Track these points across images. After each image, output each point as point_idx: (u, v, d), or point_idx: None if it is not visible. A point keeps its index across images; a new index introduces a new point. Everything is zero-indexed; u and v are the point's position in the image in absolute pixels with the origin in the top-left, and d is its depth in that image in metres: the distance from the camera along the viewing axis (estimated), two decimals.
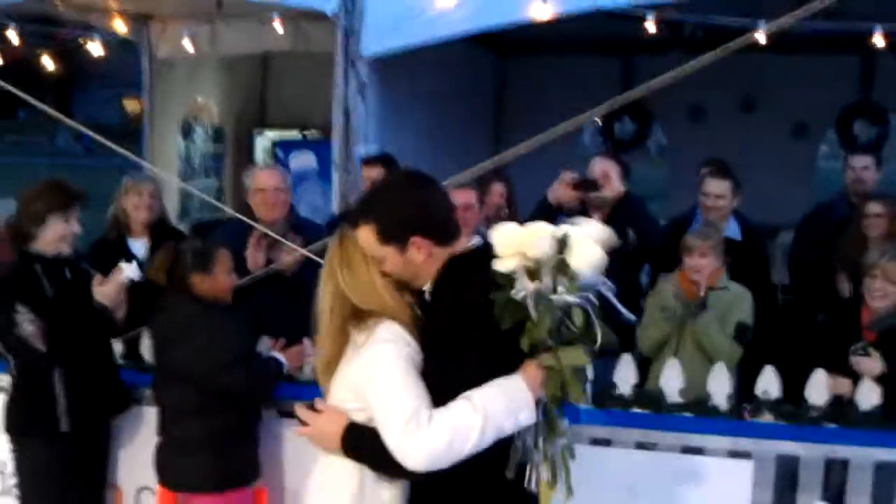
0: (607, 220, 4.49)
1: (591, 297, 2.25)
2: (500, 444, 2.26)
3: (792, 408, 3.59)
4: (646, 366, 4.15)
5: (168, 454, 3.57)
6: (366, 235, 2.36)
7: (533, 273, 2.20)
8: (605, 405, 3.66)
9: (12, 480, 4.04)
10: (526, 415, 2.22)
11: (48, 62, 7.36)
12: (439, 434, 2.17)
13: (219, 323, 3.53)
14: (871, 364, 3.70)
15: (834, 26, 6.10)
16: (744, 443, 3.53)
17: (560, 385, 2.24)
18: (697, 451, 3.58)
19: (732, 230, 4.65)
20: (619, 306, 2.31)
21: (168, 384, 3.59)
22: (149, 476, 3.84)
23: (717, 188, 4.63)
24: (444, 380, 2.26)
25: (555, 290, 2.20)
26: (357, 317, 2.38)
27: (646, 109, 9.13)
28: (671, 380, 3.72)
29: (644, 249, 4.46)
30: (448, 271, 2.36)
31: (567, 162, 4.62)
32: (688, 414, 3.61)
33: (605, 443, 3.63)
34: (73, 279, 3.70)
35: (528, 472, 2.29)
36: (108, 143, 4.61)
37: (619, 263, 4.33)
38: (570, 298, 2.19)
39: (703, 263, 4.17)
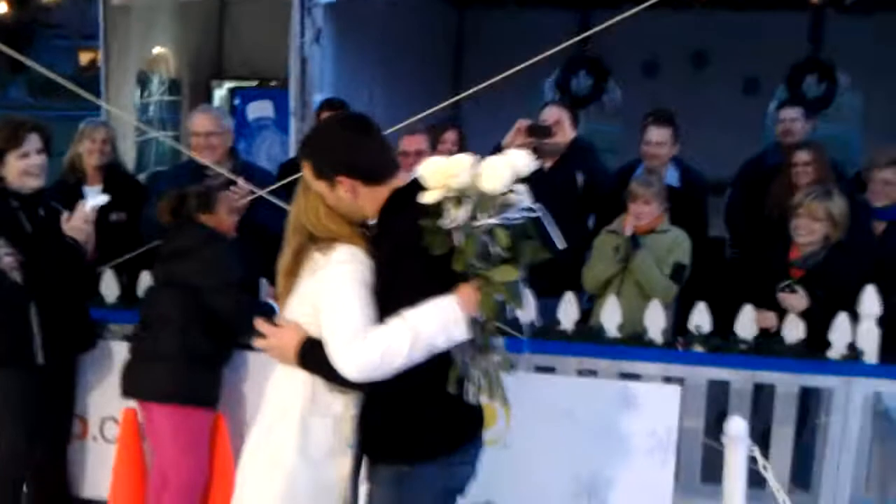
0: (558, 166, 4.68)
1: (516, 216, 2.38)
2: (443, 360, 2.41)
3: (721, 340, 3.83)
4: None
5: (140, 364, 3.71)
6: (306, 171, 2.56)
7: (457, 202, 2.34)
8: (549, 338, 3.87)
9: None
10: (458, 332, 2.36)
11: (1, 7, 7.28)
12: (372, 347, 2.35)
13: (224, 248, 3.72)
14: (797, 300, 3.92)
15: None
16: (676, 370, 3.76)
17: (495, 303, 2.38)
18: (634, 377, 3.80)
19: (671, 177, 4.81)
20: (551, 229, 2.45)
21: (162, 297, 3.73)
22: (113, 407, 4.02)
23: (657, 136, 4.77)
24: (388, 301, 2.41)
25: (475, 217, 2.34)
26: (317, 240, 2.53)
27: (602, 65, 9.28)
28: (610, 316, 3.93)
29: (592, 195, 4.61)
30: (389, 203, 2.52)
31: (527, 116, 4.72)
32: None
33: (549, 370, 3.84)
34: (46, 216, 3.77)
35: (465, 386, 2.44)
36: (74, 88, 4.61)
37: (568, 208, 4.58)
38: (492, 221, 2.33)
39: (645, 210, 4.35)
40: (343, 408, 2.55)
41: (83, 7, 7.77)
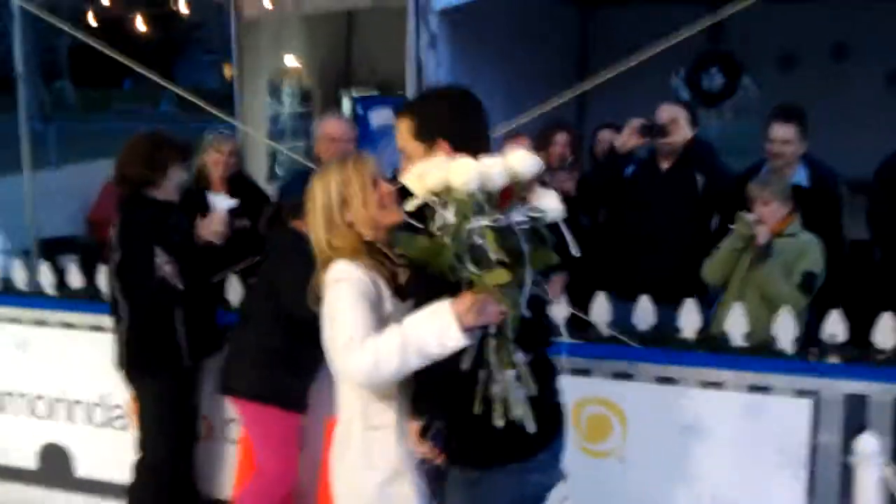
0: (675, 166, 4.51)
1: (522, 219, 2.28)
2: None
3: (857, 350, 3.58)
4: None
5: (228, 361, 3.81)
6: (403, 128, 2.61)
7: (443, 205, 2.27)
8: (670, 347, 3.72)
9: (114, 412, 4.40)
10: (452, 339, 2.30)
11: (146, 27, 7.63)
12: (366, 354, 2.40)
13: (309, 251, 3.74)
14: None
15: None
16: (809, 382, 3.54)
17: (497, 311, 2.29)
18: (763, 389, 3.59)
19: (800, 176, 4.51)
20: (567, 235, 2.37)
21: (251, 297, 3.88)
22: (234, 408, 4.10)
23: (782, 133, 4.47)
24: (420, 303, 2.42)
25: (465, 218, 2.24)
26: (321, 266, 2.64)
27: (735, 60, 8.93)
28: (736, 323, 3.74)
29: (713, 196, 4.43)
30: None
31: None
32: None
33: (670, 381, 3.69)
34: (181, 225, 3.95)
35: (493, 407, 2.35)
36: (201, 103, 4.83)
37: (687, 209, 4.41)
38: (482, 222, 2.23)
39: (765, 211, 4.12)
40: (398, 416, 2.59)
41: (224, 24, 8.07)
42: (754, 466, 3.52)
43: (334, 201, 2.63)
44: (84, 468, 4.52)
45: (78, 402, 4.48)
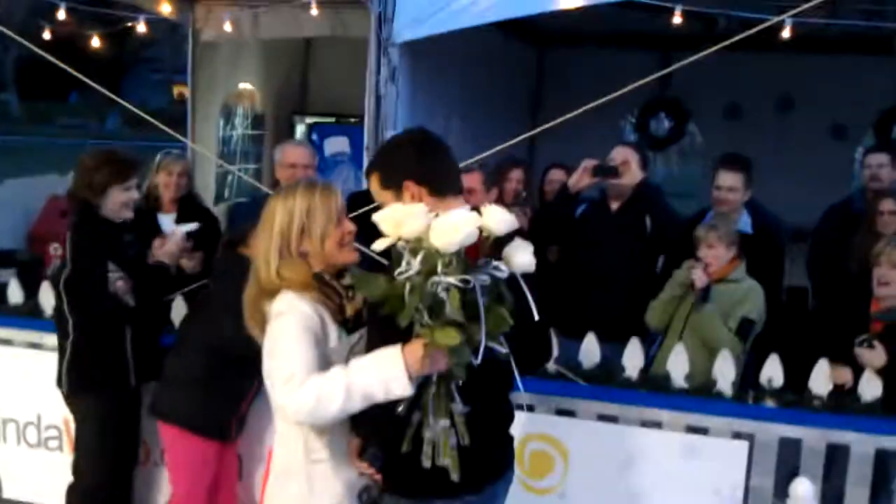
0: (625, 207, 4.59)
1: (484, 278, 2.23)
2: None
3: (794, 396, 3.66)
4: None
5: (160, 384, 3.78)
6: (372, 182, 2.59)
7: (413, 253, 2.25)
8: (613, 385, 3.77)
9: (48, 433, 4.30)
10: (398, 387, 2.29)
11: (98, 43, 7.56)
12: (307, 393, 2.38)
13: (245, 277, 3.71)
14: (874, 356, 3.73)
15: (870, 25, 6.08)
16: (746, 425, 3.61)
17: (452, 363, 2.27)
18: (701, 431, 3.66)
19: (745, 224, 4.62)
20: (529, 298, 2.33)
21: (187, 319, 3.87)
22: None
23: (728, 180, 4.60)
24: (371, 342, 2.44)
25: (433, 271, 2.20)
26: (265, 293, 2.60)
27: (682, 107, 9.15)
28: (678, 365, 3.80)
29: (661, 238, 4.51)
30: None
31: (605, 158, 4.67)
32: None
33: (612, 419, 3.73)
34: (132, 242, 3.93)
35: (422, 447, 2.35)
36: (155, 122, 4.80)
37: (635, 250, 4.49)
38: (449, 279, 2.19)
39: (711, 254, 4.21)
40: (338, 449, 2.61)
41: (177, 43, 8.04)
42: None
43: (294, 228, 2.58)
44: (12, 490, 4.40)
45: (11, 420, 4.37)
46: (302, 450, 2.60)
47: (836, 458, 3.66)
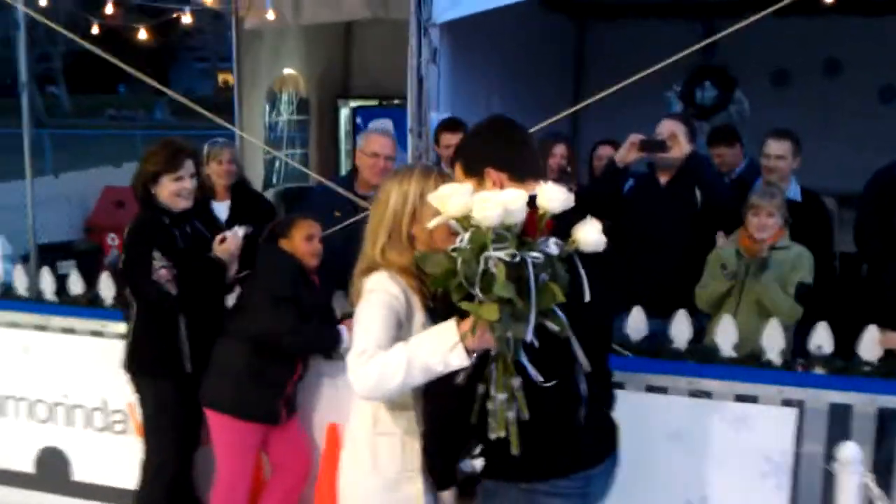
0: (674, 181, 4.59)
1: (537, 256, 2.23)
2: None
3: (843, 362, 3.66)
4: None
5: (210, 374, 3.90)
6: (457, 173, 2.61)
7: (465, 228, 2.29)
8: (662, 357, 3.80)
9: (113, 417, 4.46)
10: (456, 359, 2.33)
11: (145, 35, 7.70)
12: (371, 369, 2.43)
13: (280, 267, 3.83)
14: None
15: None
16: (795, 392, 3.62)
17: (498, 337, 2.27)
18: (750, 399, 3.67)
19: (793, 192, 4.64)
20: (583, 278, 2.35)
21: (234, 310, 3.96)
22: None
23: (777, 149, 4.63)
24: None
25: (484, 247, 2.22)
26: (366, 270, 2.64)
27: (728, 74, 9.04)
28: (725, 335, 3.82)
29: (712, 209, 4.50)
30: None
31: (649, 130, 4.66)
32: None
33: (661, 390, 3.76)
34: (192, 233, 4.00)
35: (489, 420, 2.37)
36: (202, 110, 4.90)
37: (686, 223, 4.48)
38: (497, 254, 2.21)
39: (768, 223, 4.21)
40: (407, 424, 2.64)
41: (220, 31, 8.16)
42: (740, 474, 3.59)
43: (406, 211, 2.62)
44: (81, 472, 4.57)
45: (78, 406, 4.54)
46: (370, 421, 2.66)
47: (886, 424, 3.65)
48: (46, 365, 4.58)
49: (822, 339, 3.71)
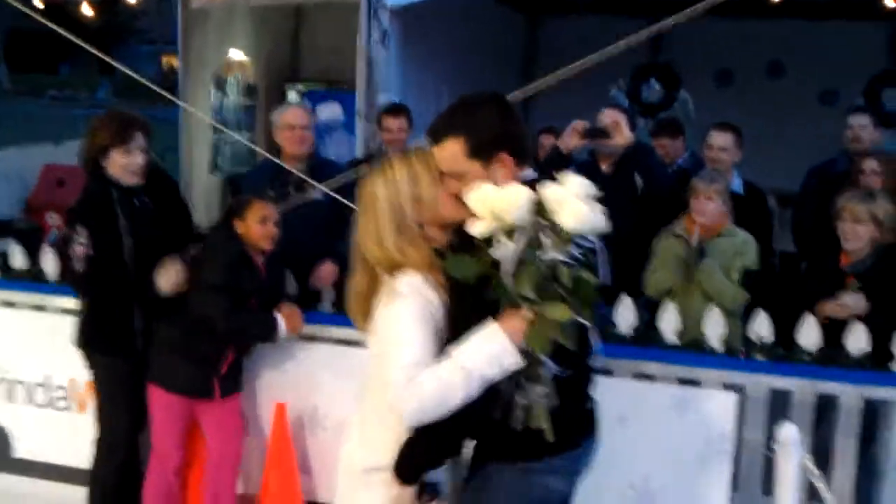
0: (616, 168, 4.66)
1: (577, 254, 2.24)
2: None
3: (783, 350, 3.76)
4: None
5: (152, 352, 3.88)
6: (451, 149, 2.41)
7: (510, 234, 2.22)
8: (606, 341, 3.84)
9: (56, 393, 4.39)
10: (510, 361, 2.27)
11: (90, 13, 7.53)
12: (427, 392, 2.29)
13: (223, 251, 3.81)
14: (854, 300, 3.85)
15: None
16: (736, 377, 3.71)
17: (546, 338, 2.26)
18: (693, 384, 3.75)
19: (735, 184, 4.75)
20: (604, 266, 2.41)
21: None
22: None
23: (720, 140, 4.75)
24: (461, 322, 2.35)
25: (539, 248, 2.21)
26: (376, 279, 2.48)
27: (674, 73, 9.19)
28: (668, 322, 3.89)
29: (651, 196, 4.58)
30: None
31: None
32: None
33: (606, 373, 3.80)
34: (140, 207, 3.87)
35: (513, 413, 2.36)
36: (157, 88, 4.77)
37: (627, 210, 4.55)
38: (558, 256, 2.19)
39: (709, 207, 4.31)
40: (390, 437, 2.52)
41: (166, 13, 8.00)
42: (682, 457, 3.67)
43: (404, 198, 2.44)
44: (23, 449, 4.47)
45: (18, 381, 4.44)
46: (384, 411, 2.46)
47: (824, 410, 3.77)
48: None
49: (762, 327, 3.81)
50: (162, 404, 3.85)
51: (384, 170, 2.50)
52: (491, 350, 2.26)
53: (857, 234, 4.00)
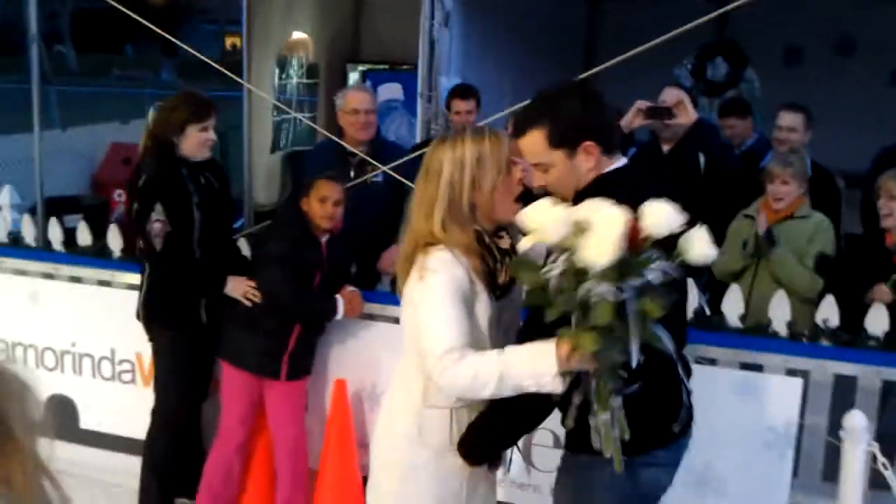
0: (678, 148, 4.58)
1: (628, 286, 2.03)
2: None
3: (849, 336, 3.67)
4: None
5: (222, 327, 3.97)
6: (534, 140, 2.38)
7: (562, 250, 2.11)
8: None
9: (121, 367, 4.50)
10: (549, 384, 2.23)
11: None
12: (463, 374, 2.32)
13: (284, 226, 3.92)
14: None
15: None
16: (801, 362, 3.64)
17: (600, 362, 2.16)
18: (756, 368, 3.69)
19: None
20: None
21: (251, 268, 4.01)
22: None
23: (789, 121, 4.67)
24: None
25: (582, 278, 2.05)
26: (420, 246, 2.47)
27: (740, 51, 9.00)
28: (733, 305, 3.83)
29: (716, 173, 4.49)
30: (591, 190, 2.29)
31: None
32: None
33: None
34: (206, 184, 3.96)
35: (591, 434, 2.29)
36: (219, 68, 4.86)
37: (689, 189, 4.48)
38: (600, 289, 2.01)
39: (784, 190, 4.22)
40: (457, 402, 2.52)
41: None
42: (744, 443, 3.62)
43: (465, 178, 2.41)
44: (89, 420, 4.61)
45: (86, 354, 4.56)
46: (419, 393, 2.52)
47: (890, 397, 3.68)
48: (54, 313, 4.59)
49: (828, 312, 3.73)
50: (230, 380, 3.92)
51: (455, 143, 2.46)
52: (534, 366, 2.24)
53: (892, 211, 3.90)
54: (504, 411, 2.45)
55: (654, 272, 2.04)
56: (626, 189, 2.23)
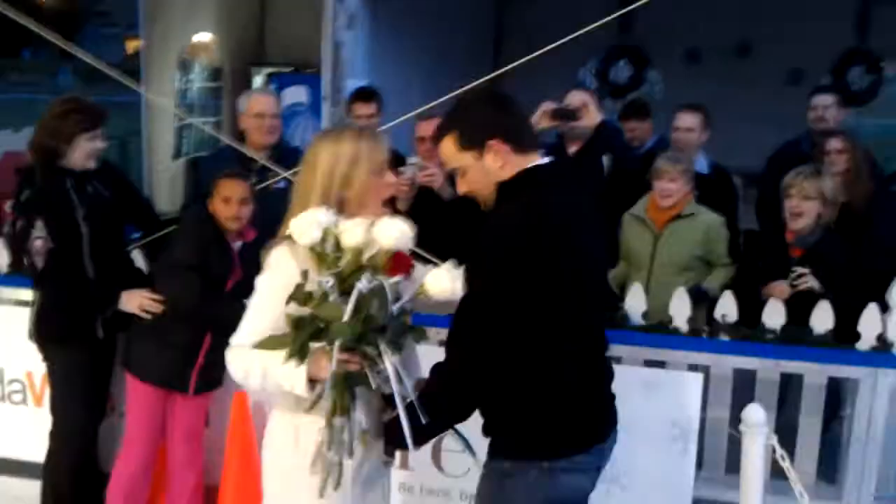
0: (584, 149, 4.62)
1: (363, 289, 2.21)
2: (555, 357, 2.38)
3: (748, 330, 3.76)
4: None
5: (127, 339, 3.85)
6: (447, 145, 2.47)
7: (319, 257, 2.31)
8: None
9: (11, 387, 4.31)
10: (298, 388, 2.34)
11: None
12: (238, 364, 2.46)
13: (192, 230, 3.76)
14: (806, 281, 3.89)
15: None
16: (701, 358, 3.72)
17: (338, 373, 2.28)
18: (659, 365, 3.75)
19: (700, 165, 4.75)
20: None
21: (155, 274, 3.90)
22: None
23: (686, 121, 4.75)
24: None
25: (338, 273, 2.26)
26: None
27: (642, 53, 9.18)
28: (634, 304, 3.88)
29: (620, 178, 4.56)
30: (513, 183, 2.41)
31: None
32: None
33: None
34: (94, 193, 3.81)
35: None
36: (114, 74, 4.65)
37: (595, 191, 4.53)
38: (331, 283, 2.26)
39: (672, 187, 4.30)
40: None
41: None
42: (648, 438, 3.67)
43: (337, 173, 2.46)
44: None
45: None
46: (293, 400, 2.48)
47: (789, 389, 3.78)
48: None
49: (726, 307, 3.81)
50: (136, 395, 3.78)
51: (335, 137, 2.53)
52: (286, 370, 2.34)
53: (802, 210, 4.02)
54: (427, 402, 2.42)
55: (364, 282, 2.21)
56: (539, 187, 2.37)
